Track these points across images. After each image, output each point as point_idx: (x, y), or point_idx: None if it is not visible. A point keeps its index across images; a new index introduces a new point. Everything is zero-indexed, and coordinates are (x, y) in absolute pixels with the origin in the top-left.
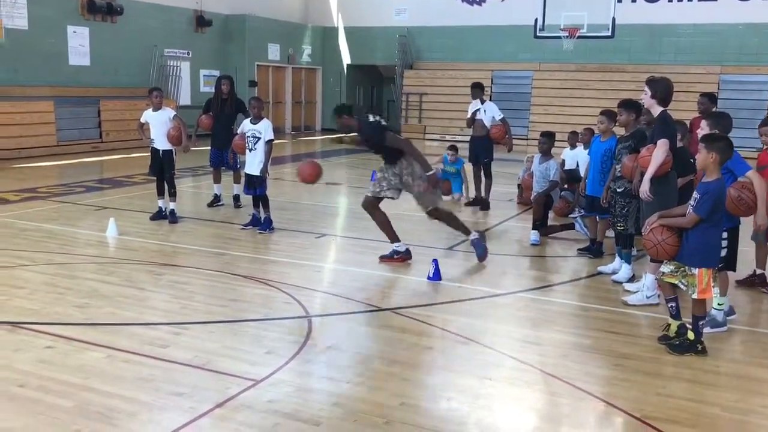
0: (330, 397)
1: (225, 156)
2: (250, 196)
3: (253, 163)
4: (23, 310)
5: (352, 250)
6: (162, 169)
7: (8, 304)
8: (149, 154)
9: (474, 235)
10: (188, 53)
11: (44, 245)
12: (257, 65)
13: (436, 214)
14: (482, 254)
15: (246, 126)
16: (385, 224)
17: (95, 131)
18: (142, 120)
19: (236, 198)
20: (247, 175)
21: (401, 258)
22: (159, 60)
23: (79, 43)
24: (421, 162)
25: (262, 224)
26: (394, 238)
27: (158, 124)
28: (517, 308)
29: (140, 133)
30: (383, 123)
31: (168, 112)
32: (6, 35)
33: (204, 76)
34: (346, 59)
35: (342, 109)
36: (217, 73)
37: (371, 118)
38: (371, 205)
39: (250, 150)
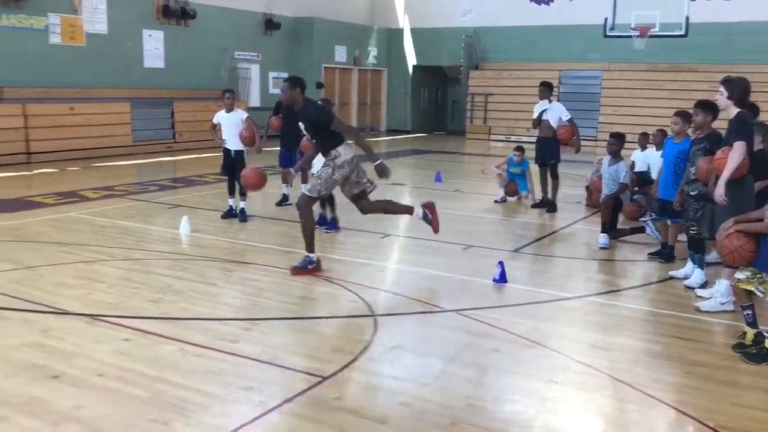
0: (396, 396)
1: (293, 157)
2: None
3: (320, 164)
4: (102, 304)
5: (416, 251)
6: (233, 169)
7: (89, 297)
8: (221, 154)
9: (419, 212)
10: (258, 56)
11: (121, 241)
12: (324, 67)
13: (370, 207)
14: (435, 225)
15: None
16: (311, 228)
17: (169, 132)
18: (215, 121)
19: (284, 198)
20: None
21: (315, 269)
22: (230, 62)
23: (154, 46)
24: (367, 150)
25: (329, 224)
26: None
27: (230, 125)
28: (586, 312)
29: (213, 133)
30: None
31: (240, 114)
32: (87, 39)
33: (273, 78)
34: (412, 60)
35: (298, 81)
36: (285, 75)
37: (317, 101)
38: (306, 204)
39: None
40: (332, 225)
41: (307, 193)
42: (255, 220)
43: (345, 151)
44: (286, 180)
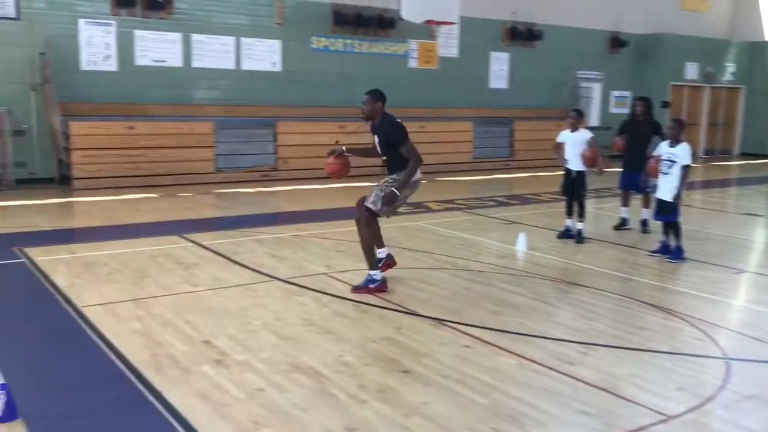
0: None
1: (636, 179)
2: (660, 222)
3: (666, 187)
4: (446, 310)
5: None
6: (573, 190)
7: (433, 302)
8: (558, 173)
9: (376, 274)
10: (601, 74)
11: (461, 252)
12: (671, 85)
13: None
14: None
15: (662, 149)
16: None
17: (506, 150)
18: (559, 140)
19: (644, 223)
20: (659, 201)
21: (378, 289)
22: (572, 82)
23: (499, 67)
24: (407, 176)
25: (673, 253)
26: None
27: (574, 144)
28: None
29: (555, 152)
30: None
31: (584, 134)
32: (440, 63)
33: (615, 97)
34: None
35: (381, 95)
36: (628, 94)
37: (397, 119)
38: (367, 220)
39: (664, 174)
40: (677, 254)
41: (370, 206)
42: (590, 242)
43: (418, 172)
44: (626, 203)
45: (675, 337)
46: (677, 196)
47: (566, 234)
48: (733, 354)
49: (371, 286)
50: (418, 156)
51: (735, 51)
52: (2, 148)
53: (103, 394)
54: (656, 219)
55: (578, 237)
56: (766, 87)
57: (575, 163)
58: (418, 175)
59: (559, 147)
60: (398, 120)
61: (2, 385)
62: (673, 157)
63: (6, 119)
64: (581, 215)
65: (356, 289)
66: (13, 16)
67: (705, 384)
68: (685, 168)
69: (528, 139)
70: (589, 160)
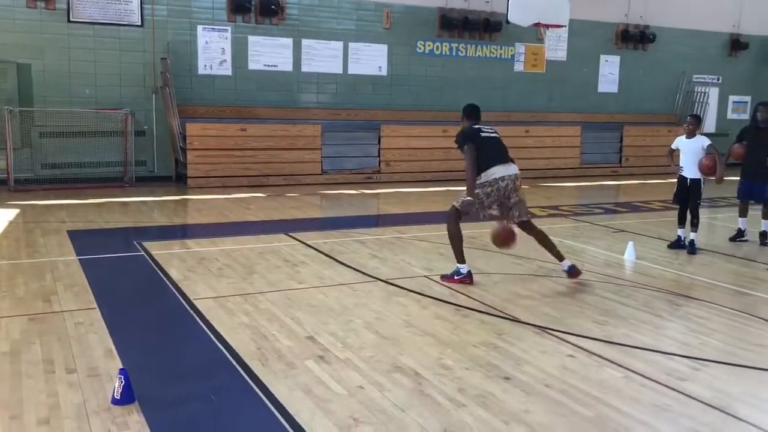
0: None
1: (756, 188)
2: None
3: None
4: (549, 317)
5: None
6: (687, 198)
7: (536, 308)
8: (669, 181)
9: (462, 267)
10: (718, 78)
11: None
12: None
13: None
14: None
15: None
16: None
17: (615, 156)
18: (673, 146)
19: (763, 235)
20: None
21: (463, 279)
22: (686, 86)
23: (609, 71)
24: (467, 183)
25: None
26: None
27: (689, 151)
28: None
29: (669, 159)
30: (482, 134)
31: (701, 141)
32: (547, 66)
33: (733, 102)
34: None
35: (464, 110)
36: (748, 99)
37: (484, 129)
38: (451, 217)
39: None
40: None
41: (455, 204)
42: (703, 253)
43: (496, 171)
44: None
45: None
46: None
47: (677, 244)
48: None
49: (456, 277)
50: (469, 167)
51: None
52: (125, 147)
53: (213, 383)
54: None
55: (691, 248)
56: None
57: (691, 171)
58: (498, 173)
59: (673, 153)
60: (467, 129)
61: (121, 370)
62: None
63: (129, 120)
64: (695, 225)
65: (445, 278)
66: (138, 23)
67: None
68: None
69: (638, 145)
70: (707, 168)
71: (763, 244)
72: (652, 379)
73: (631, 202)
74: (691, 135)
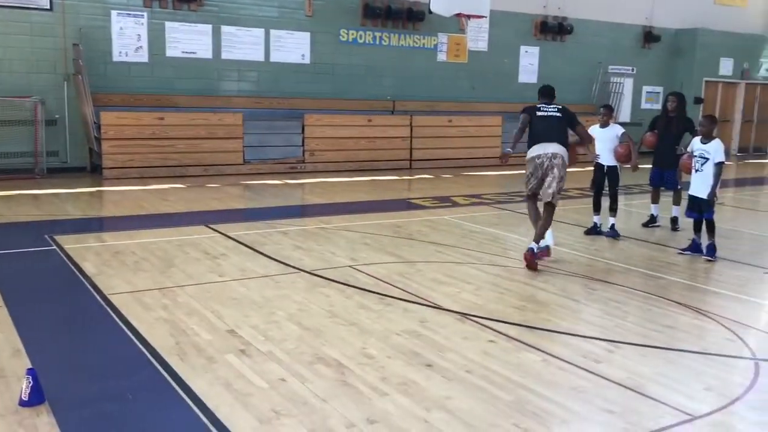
0: None
1: (666, 175)
2: (691, 220)
3: (698, 184)
4: (470, 304)
5: None
6: (602, 185)
7: (459, 296)
8: (587, 169)
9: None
10: (632, 69)
11: (487, 247)
12: (705, 81)
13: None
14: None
15: (694, 145)
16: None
17: None
18: None
19: (674, 220)
20: (692, 197)
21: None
22: (602, 77)
23: (529, 62)
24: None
25: (708, 251)
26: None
27: (605, 140)
28: None
29: (585, 148)
30: (538, 112)
31: (616, 129)
32: (469, 57)
33: (647, 92)
34: None
35: (541, 90)
36: (660, 89)
37: (544, 108)
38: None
39: (697, 171)
40: (711, 251)
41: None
42: (620, 239)
43: (534, 150)
44: (656, 199)
45: (704, 337)
46: (712, 194)
47: (594, 230)
48: (763, 355)
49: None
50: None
51: None
52: (35, 137)
53: (129, 381)
54: (689, 216)
55: (612, 231)
56: None
57: (607, 158)
58: (534, 152)
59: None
60: (530, 105)
61: (29, 369)
62: (705, 153)
63: (39, 108)
64: (614, 210)
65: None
66: (47, 6)
67: (733, 385)
68: (719, 165)
69: None
70: (622, 156)
71: (673, 229)
72: (569, 362)
73: None
74: (605, 124)
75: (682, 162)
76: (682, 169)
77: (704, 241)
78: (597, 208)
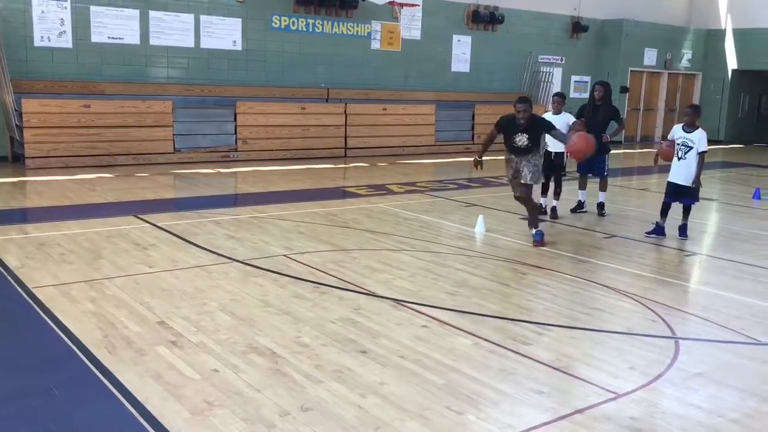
0: (699, 427)
1: (593, 162)
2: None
3: (680, 172)
4: (404, 290)
5: (727, 273)
6: (552, 171)
7: (393, 282)
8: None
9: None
10: (561, 59)
11: (421, 234)
12: (631, 71)
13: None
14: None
15: (677, 133)
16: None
17: (468, 133)
18: None
19: (600, 206)
20: (672, 184)
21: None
22: (533, 66)
23: (461, 51)
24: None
25: (681, 231)
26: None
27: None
28: None
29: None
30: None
31: (567, 117)
32: (403, 45)
33: (575, 81)
34: (732, 64)
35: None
36: (588, 78)
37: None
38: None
39: (680, 159)
40: (683, 232)
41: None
42: (548, 224)
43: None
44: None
45: (628, 318)
46: (696, 181)
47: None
48: (683, 334)
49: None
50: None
51: (692, 38)
52: None
53: (55, 376)
54: (667, 201)
55: (553, 213)
56: (721, 74)
57: (556, 145)
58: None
59: None
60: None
61: None
62: (689, 142)
63: None
64: (558, 194)
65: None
66: None
67: (655, 363)
68: (702, 154)
69: (489, 123)
70: (580, 153)
71: (600, 214)
72: (499, 345)
73: (482, 178)
74: (557, 112)
75: (661, 149)
76: (660, 156)
77: (667, 224)
78: (545, 191)
